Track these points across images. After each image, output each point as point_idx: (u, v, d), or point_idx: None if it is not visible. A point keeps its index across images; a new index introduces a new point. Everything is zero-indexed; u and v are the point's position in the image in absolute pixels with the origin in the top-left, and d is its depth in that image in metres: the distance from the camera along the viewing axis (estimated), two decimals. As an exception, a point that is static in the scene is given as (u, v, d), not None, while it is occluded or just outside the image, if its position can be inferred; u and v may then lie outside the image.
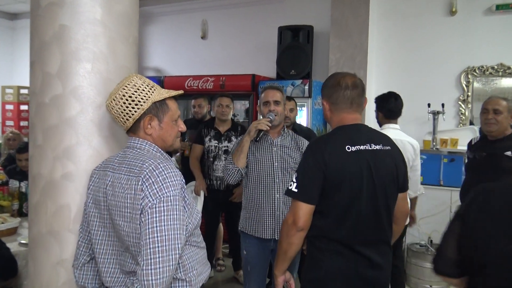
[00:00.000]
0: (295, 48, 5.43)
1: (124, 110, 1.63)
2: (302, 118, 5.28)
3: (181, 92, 1.75)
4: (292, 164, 2.81)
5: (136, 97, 1.65)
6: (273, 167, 2.79)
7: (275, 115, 2.82)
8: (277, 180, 2.78)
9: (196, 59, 6.86)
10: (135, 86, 1.66)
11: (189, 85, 5.83)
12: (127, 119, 1.64)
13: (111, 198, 1.59)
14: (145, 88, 1.68)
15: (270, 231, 2.77)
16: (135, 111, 1.64)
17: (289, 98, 4.11)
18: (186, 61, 6.95)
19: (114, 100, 1.62)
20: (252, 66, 6.20)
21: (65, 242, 1.87)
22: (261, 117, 2.90)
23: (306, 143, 2.95)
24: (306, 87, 5.14)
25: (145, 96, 1.67)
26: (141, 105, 1.65)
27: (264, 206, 2.78)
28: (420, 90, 5.18)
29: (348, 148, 1.87)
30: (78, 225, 1.84)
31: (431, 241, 4.50)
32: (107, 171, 1.67)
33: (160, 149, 1.70)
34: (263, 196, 2.79)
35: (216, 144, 4.22)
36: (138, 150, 1.66)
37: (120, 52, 1.98)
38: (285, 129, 2.94)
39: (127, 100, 1.63)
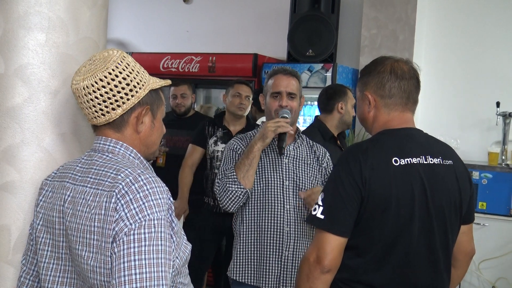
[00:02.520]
0: (315, 19, 5.48)
1: (114, 96, 1.64)
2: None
3: (169, 81, 1.79)
4: (308, 184, 2.80)
5: (131, 80, 1.66)
6: (283, 187, 2.76)
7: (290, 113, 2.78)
8: (288, 206, 2.74)
9: (176, 31, 6.89)
10: (129, 65, 1.68)
11: (166, 66, 5.87)
12: (112, 109, 1.65)
13: (71, 220, 1.61)
14: (139, 69, 1.71)
15: (274, 278, 2.73)
16: (128, 99, 1.65)
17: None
18: (162, 33, 6.98)
19: (101, 80, 1.62)
20: (254, 42, 6.24)
21: (2, 278, 1.88)
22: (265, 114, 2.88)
23: (326, 153, 2.97)
24: (329, 73, 5.19)
25: (141, 80, 1.69)
26: (136, 91, 1.67)
27: (267, 243, 2.73)
28: (487, 83, 5.23)
29: (396, 161, 1.90)
30: (20, 255, 1.85)
31: (496, 292, 4.55)
32: (65, 182, 1.69)
33: (139, 155, 1.73)
34: (266, 229, 2.74)
35: (223, 150, 4.23)
36: (110, 155, 1.68)
37: (85, 19, 2.00)
38: (300, 133, 2.93)
39: (120, 82, 1.64)
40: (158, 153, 4.59)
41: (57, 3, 1.93)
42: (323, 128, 3.74)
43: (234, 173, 2.69)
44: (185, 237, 1.76)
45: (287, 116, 2.73)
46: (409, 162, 1.91)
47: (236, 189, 2.67)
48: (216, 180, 2.82)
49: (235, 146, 2.85)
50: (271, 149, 2.83)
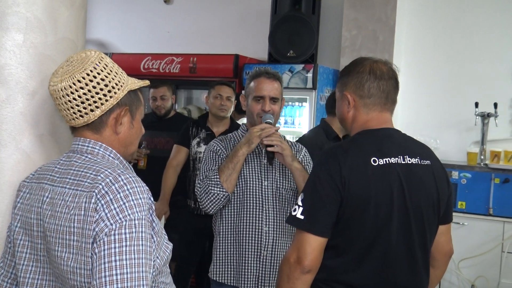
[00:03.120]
0: (295, 20, 5.49)
1: (93, 97, 1.63)
2: (303, 117, 5.34)
3: (147, 82, 1.79)
4: (286, 185, 2.81)
5: (110, 81, 1.66)
6: (262, 187, 2.78)
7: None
8: (267, 206, 2.76)
9: (157, 32, 6.87)
10: (107, 66, 1.68)
11: (146, 66, 5.85)
12: (91, 110, 1.65)
13: (50, 221, 1.60)
14: (117, 70, 1.71)
15: (253, 279, 2.75)
16: (107, 100, 1.65)
17: None
18: (143, 33, 6.95)
19: (79, 82, 1.62)
20: (235, 43, 6.24)
21: (-21, 281, 1.87)
22: (245, 115, 2.89)
23: (302, 149, 2.98)
24: (309, 74, 5.20)
25: (120, 81, 1.69)
26: (115, 92, 1.67)
27: (245, 243, 2.75)
28: (465, 84, 5.29)
29: (375, 161, 1.91)
30: (-2, 258, 1.84)
31: (476, 291, 4.60)
32: (43, 183, 1.68)
33: (118, 155, 1.73)
34: (245, 229, 2.75)
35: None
36: (89, 156, 1.67)
37: (63, 19, 1.99)
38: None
39: (98, 83, 1.64)
40: (140, 156, 4.59)
41: (34, 3, 1.92)
42: (328, 129, 3.81)
43: (217, 176, 2.69)
44: (166, 237, 1.76)
45: (270, 121, 2.75)
46: (387, 162, 1.93)
47: (218, 192, 2.68)
48: (197, 181, 2.82)
49: (215, 148, 2.85)
50: (251, 152, 2.82)
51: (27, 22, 1.91)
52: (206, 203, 2.71)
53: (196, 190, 2.79)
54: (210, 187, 2.68)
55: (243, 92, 3.00)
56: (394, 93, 2.05)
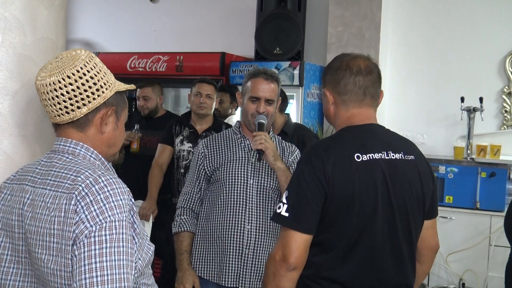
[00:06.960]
0: (281, 17, 5.49)
1: (81, 94, 1.63)
2: (290, 114, 5.33)
3: (133, 86, 1.80)
4: (273, 184, 2.79)
5: (98, 80, 1.67)
6: (247, 185, 2.76)
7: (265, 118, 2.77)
8: (250, 204, 2.75)
9: (143, 30, 6.85)
10: (96, 65, 1.68)
11: (133, 65, 5.82)
12: (77, 107, 1.64)
13: (30, 223, 1.59)
14: (106, 71, 1.71)
15: (233, 276, 2.73)
16: (94, 98, 1.65)
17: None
18: (129, 32, 6.93)
19: (68, 77, 1.61)
20: (221, 41, 6.23)
21: (-39, 285, 1.85)
22: (243, 114, 2.86)
23: (295, 150, 2.95)
24: (296, 71, 5.20)
25: (108, 81, 1.69)
26: (103, 91, 1.67)
27: (227, 240, 2.73)
28: (451, 79, 5.30)
29: (358, 157, 1.91)
30: (-21, 261, 1.82)
31: (463, 284, 4.61)
32: (24, 184, 1.67)
33: (100, 156, 1.72)
34: (227, 226, 2.74)
35: (189, 149, 4.24)
36: (70, 157, 1.66)
37: (42, 19, 1.98)
38: (271, 131, 2.92)
39: (87, 81, 1.64)
40: (133, 138, 4.60)
41: (13, 3, 1.91)
42: None
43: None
44: (148, 238, 1.76)
45: (263, 121, 2.73)
46: (371, 158, 1.92)
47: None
48: (181, 192, 2.93)
49: (200, 152, 2.87)
50: (240, 147, 2.83)
51: (6, 22, 1.89)
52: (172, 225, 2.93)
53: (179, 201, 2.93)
54: (174, 223, 2.91)
55: (239, 89, 2.97)
56: (373, 88, 2.04)
